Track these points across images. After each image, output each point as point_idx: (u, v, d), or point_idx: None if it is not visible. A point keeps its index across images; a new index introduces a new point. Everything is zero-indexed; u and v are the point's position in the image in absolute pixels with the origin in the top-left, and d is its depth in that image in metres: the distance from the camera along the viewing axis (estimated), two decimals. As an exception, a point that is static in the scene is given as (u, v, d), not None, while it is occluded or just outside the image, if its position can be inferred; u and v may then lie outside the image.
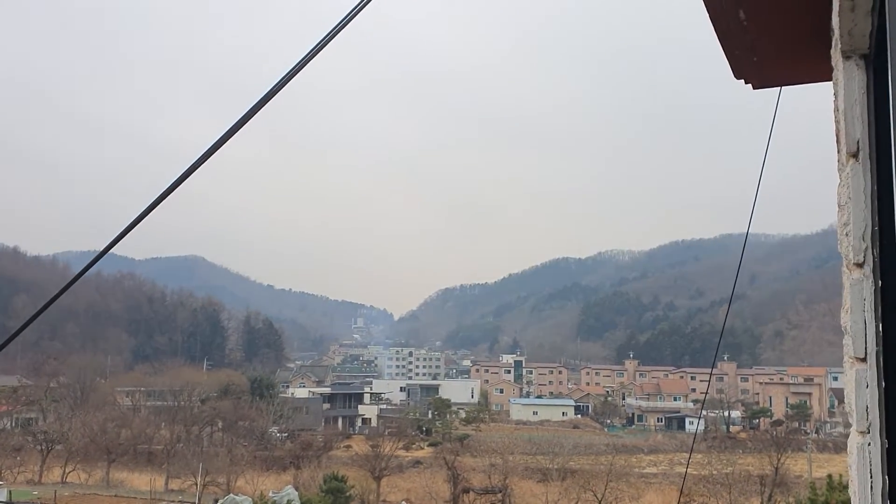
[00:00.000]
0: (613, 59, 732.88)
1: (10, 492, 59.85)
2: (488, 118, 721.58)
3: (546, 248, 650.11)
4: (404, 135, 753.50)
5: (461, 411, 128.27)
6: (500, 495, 62.78)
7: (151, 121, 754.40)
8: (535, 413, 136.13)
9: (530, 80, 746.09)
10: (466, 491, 63.75)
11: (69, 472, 75.18)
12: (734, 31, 3.24)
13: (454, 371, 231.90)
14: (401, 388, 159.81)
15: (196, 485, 62.36)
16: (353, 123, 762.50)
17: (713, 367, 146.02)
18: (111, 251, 3.42)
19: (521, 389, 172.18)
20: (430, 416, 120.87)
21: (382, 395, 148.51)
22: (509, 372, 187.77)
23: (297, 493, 53.17)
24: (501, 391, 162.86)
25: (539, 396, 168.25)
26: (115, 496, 65.05)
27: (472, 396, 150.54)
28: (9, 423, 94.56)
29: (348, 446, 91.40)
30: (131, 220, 3.25)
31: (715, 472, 66.38)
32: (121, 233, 3.30)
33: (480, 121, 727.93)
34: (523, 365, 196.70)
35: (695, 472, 66.82)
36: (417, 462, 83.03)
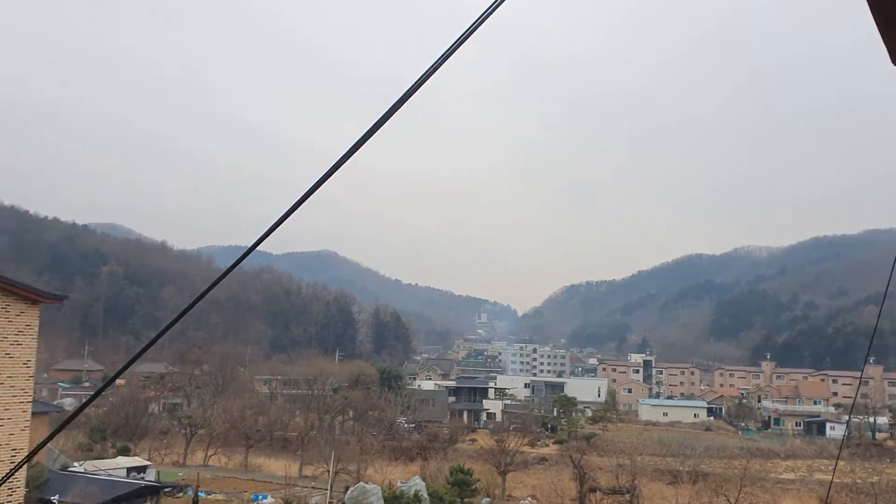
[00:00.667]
0: (750, 57, 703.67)
1: (158, 472, 63.92)
2: (613, 114, 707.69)
3: (677, 244, 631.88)
4: (527, 132, 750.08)
5: (587, 410, 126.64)
6: (628, 496, 61.56)
7: (292, 122, 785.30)
8: (665, 414, 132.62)
9: (659, 77, 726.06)
10: (594, 490, 62.88)
11: (211, 456, 79.37)
12: None
13: (579, 369, 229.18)
14: (525, 384, 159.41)
15: (328, 472, 64.35)
16: (477, 121, 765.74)
17: (862, 370, 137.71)
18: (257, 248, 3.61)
19: (650, 390, 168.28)
20: (555, 413, 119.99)
21: (507, 390, 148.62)
22: (638, 371, 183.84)
23: (423, 483, 54.06)
24: (630, 391, 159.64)
25: (669, 397, 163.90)
26: (253, 480, 68.11)
27: (599, 395, 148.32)
28: (157, 408, 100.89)
29: (473, 440, 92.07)
30: (277, 218, 3.43)
31: (859, 481, 62.67)
32: (268, 230, 3.48)
33: (604, 117, 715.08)
34: (653, 365, 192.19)
35: (837, 480, 63.29)
36: (543, 459, 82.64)
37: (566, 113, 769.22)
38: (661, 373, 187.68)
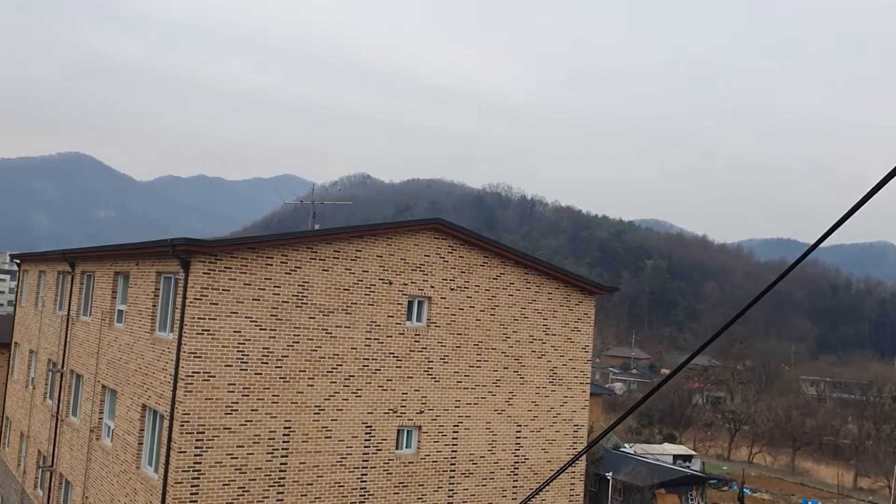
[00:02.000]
0: None
1: (703, 463, 64.78)
2: None
3: None
4: None
5: None
6: None
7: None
8: None
9: None
10: None
11: (755, 454, 77.62)
12: None
13: None
14: None
15: (890, 487, 57.86)
16: None
17: None
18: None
19: None
20: None
21: None
22: None
23: None
24: None
25: None
26: (801, 484, 64.68)
27: None
28: (700, 399, 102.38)
29: None
30: (843, 214, 3.26)
31: None
32: (832, 227, 3.33)
33: None
34: None
35: None
36: None
37: None
38: None
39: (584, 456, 22.18)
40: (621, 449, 57.47)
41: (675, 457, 61.25)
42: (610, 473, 47.78)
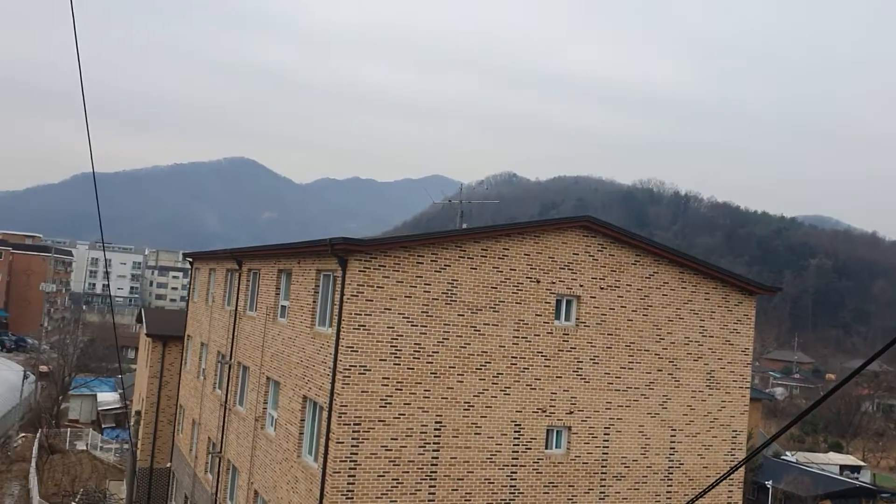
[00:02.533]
0: None
1: (873, 474, 60.46)
2: None
3: None
4: None
5: None
6: None
7: None
8: None
9: None
10: None
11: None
12: None
13: None
14: None
15: None
16: None
17: None
18: None
19: None
20: None
21: None
22: None
23: None
24: None
25: None
26: None
27: None
28: (870, 407, 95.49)
29: None
30: None
31: None
32: None
33: None
34: None
35: None
36: None
37: None
38: None
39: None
40: (782, 457, 54.64)
41: (842, 467, 57.59)
42: (770, 482, 45.55)
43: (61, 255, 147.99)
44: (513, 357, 17.88)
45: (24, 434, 60.12)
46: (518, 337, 17.95)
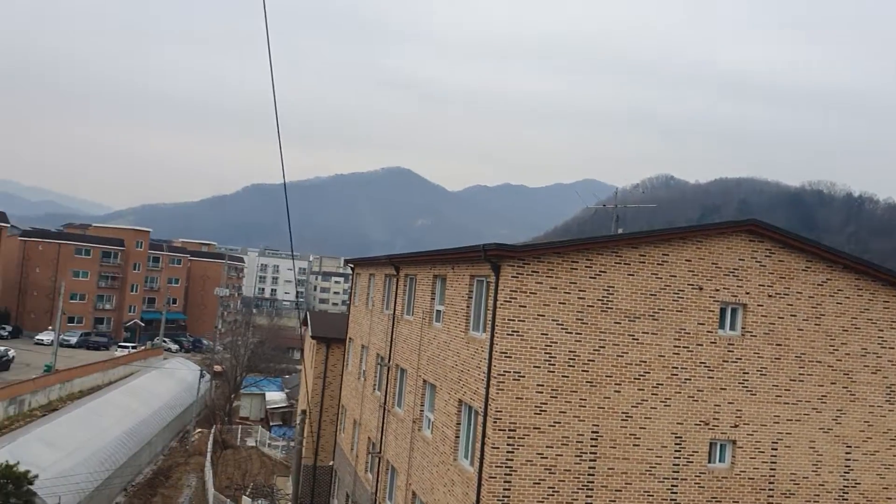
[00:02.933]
0: None
1: None
2: None
3: None
4: None
5: None
6: None
7: None
8: None
9: None
10: None
11: None
12: None
13: None
14: None
15: None
16: None
17: None
18: None
19: None
20: None
21: None
22: None
23: None
24: None
25: None
26: None
27: None
28: None
29: None
30: None
31: None
32: None
33: None
34: None
35: None
36: None
37: None
38: None
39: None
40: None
41: None
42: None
43: (234, 261, 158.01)
44: (673, 367, 17.30)
45: (199, 430, 64.51)
46: (679, 346, 17.34)
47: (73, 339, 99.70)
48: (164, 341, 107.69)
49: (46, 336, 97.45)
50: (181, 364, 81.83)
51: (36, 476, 33.71)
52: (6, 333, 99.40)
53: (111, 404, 55.68)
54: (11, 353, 77.58)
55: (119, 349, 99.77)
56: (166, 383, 69.33)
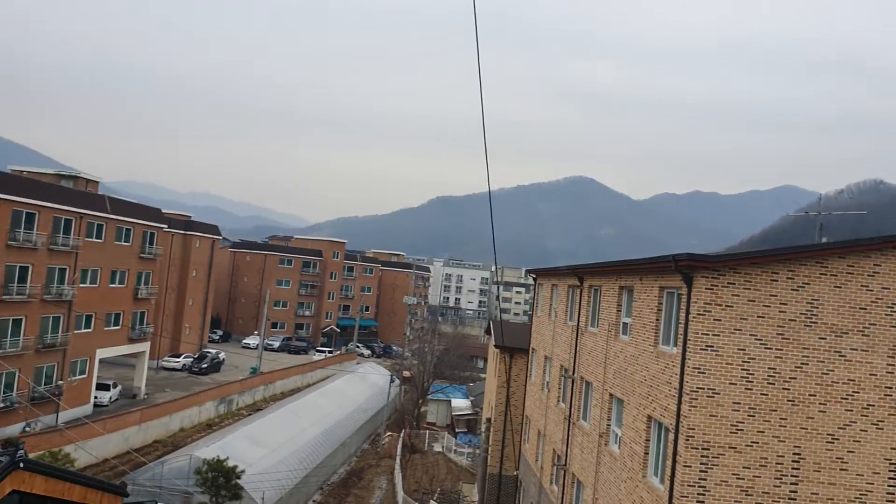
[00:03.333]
0: None
1: None
2: None
3: None
4: None
5: None
6: None
7: None
8: None
9: None
10: None
11: None
12: None
13: None
14: None
15: None
16: None
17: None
18: None
19: None
20: None
21: None
22: None
23: None
24: None
25: None
26: None
27: None
28: None
29: None
30: None
31: None
32: None
33: None
34: None
35: None
36: None
37: None
38: None
39: None
40: None
41: None
42: None
43: (421, 271, 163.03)
44: (887, 387, 15.87)
45: (389, 433, 66.92)
46: (893, 365, 15.90)
47: (276, 344, 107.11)
48: (358, 346, 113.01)
49: (252, 340, 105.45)
50: (373, 369, 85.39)
51: (243, 471, 36.39)
52: (217, 337, 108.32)
53: (309, 406, 59.10)
54: (222, 355, 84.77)
55: (317, 353, 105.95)
56: (359, 387, 72.60)
